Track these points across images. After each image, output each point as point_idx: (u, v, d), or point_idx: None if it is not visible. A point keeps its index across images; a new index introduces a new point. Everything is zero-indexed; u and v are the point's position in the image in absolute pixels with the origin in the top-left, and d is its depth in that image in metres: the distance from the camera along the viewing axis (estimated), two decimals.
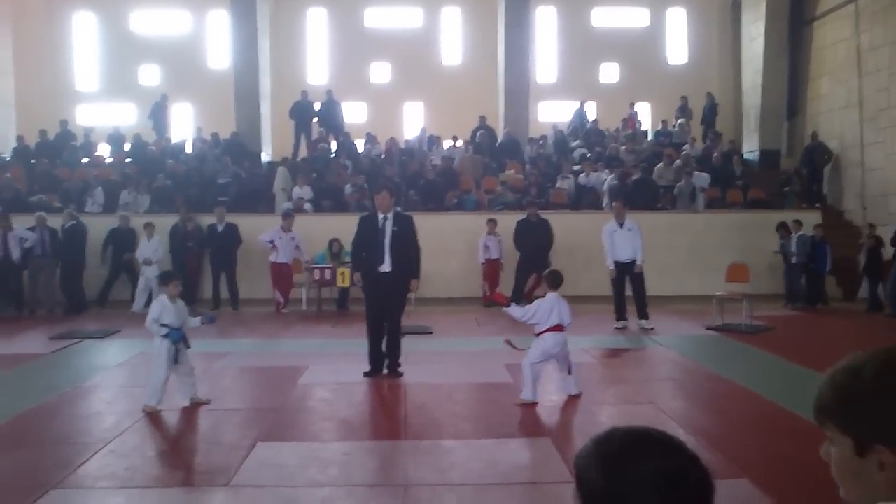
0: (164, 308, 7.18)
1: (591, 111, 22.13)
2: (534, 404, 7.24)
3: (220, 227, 14.62)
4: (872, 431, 1.26)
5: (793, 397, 7.40)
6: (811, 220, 15.68)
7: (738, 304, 12.05)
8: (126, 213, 15.77)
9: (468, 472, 5.46)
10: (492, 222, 14.81)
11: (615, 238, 11.89)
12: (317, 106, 19.83)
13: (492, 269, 14.85)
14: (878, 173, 16.38)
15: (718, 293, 12.57)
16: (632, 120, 21.29)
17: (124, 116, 22.34)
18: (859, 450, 1.28)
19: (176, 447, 6.34)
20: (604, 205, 16.71)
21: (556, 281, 7.57)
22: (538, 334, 7.42)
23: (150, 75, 23.03)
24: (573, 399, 7.43)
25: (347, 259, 12.96)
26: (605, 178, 17.02)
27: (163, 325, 7.11)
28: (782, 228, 14.61)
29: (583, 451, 1.29)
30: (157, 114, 20.16)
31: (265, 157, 20.03)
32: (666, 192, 17.08)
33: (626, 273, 11.93)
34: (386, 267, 8.41)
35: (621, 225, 11.93)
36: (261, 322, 12.98)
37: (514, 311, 7.60)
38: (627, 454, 1.24)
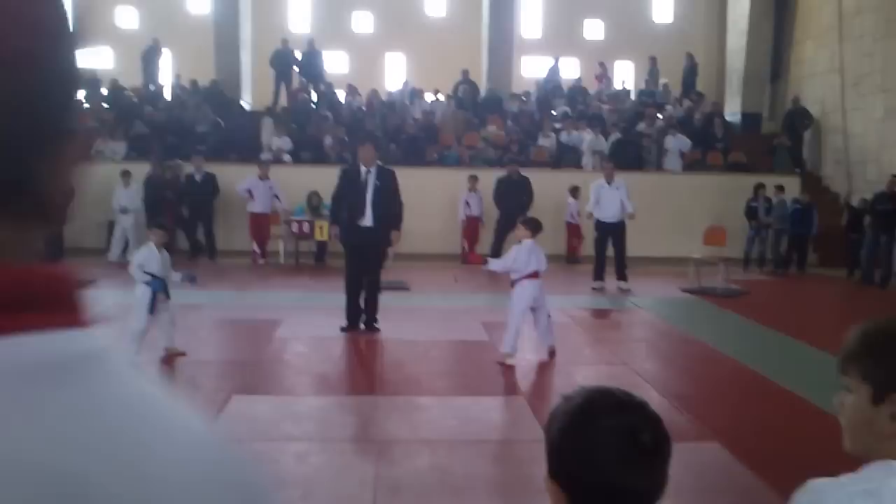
0: (150, 255, 7.12)
1: (574, 68, 21.98)
2: (512, 360, 7.26)
3: (197, 177, 14.47)
4: (892, 381, 1.33)
5: (765, 361, 7.51)
6: (790, 185, 15.77)
7: (715, 267, 12.14)
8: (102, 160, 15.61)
9: (442, 429, 5.50)
10: (473, 179, 14.77)
11: (602, 195, 11.87)
12: (298, 55, 19.56)
13: (471, 227, 14.86)
14: (857, 139, 16.44)
15: (695, 256, 12.64)
16: (601, 77, 21.20)
17: (100, 60, 21.90)
18: (875, 398, 1.34)
19: None
20: (583, 163, 16.69)
21: (535, 227, 7.55)
22: (515, 282, 7.39)
23: (127, 18, 22.57)
24: (548, 358, 7.47)
25: (326, 212, 12.89)
26: (587, 138, 16.96)
27: (146, 273, 7.05)
28: (760, 189, 14.65)
29: (552, 409, 1.34)
30: (150, 59, 19.76)
31: (245, 105, 19.76)
32: (647, 151, 17.07)
33: (610, 234, 11.95)
34: (367, 221, 8.36)
35: (609, 184, 11.92)
36: (238, 274, 12.93)
37: (494, 264, 7.65)
38: (584, 411, 1.29)
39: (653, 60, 21.00)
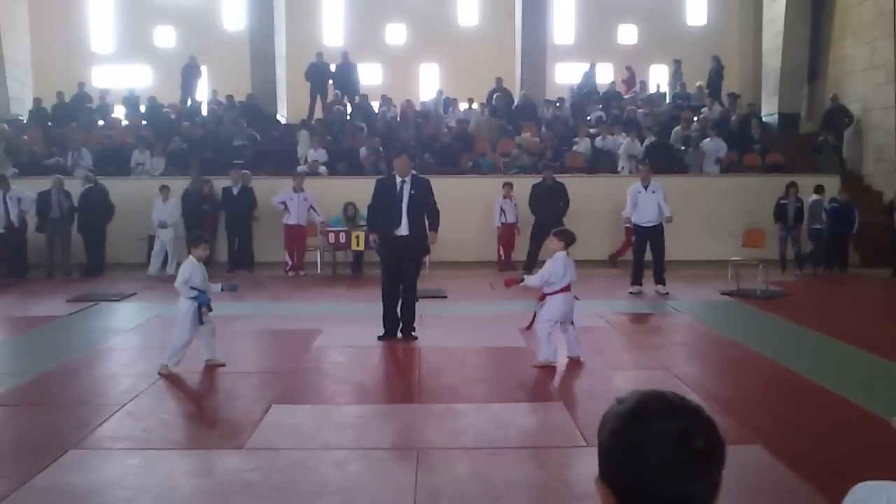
0: (195, 269, 7.22)
1: (608, 73, 21.87)
2: (553, 365, 7.26)
3: (234, 190, 14.64)
4: None
5: (807, 363, 7.39)
6: (831, 185, 15.52)
7: (754, 269, 11.99)
8: (142, 175, 15.90)
9: (481, 436, 5.49)
10: (508, 186, 14.76)
11: (640, 200, 11.79)
12: (332, 68, 19.73)
13: (507, 234, 14.84)
14: None
15: (734, 258, 12.50)
16: (628, 82, 21.09)
17: (140, 78, 22.30)
18: None
19: (192, 409, 6.41)
20: (620, 168, 16.60)
21: (569, 238, 7.52)
22: (548, 295, 7.37)
23: (165, 37, 22.97)
24: (584, 364, 7.43)
25: (362, 223, 12.95)
26: (622, 142, 16.88)
27: (192, 288, 7.15)
28: (792, 188, 14.42)
29: (605, 411, 1.34)
30: (188, 76, 20.05)
31: (281, 119, 19.97)
32: (683, 155, 16.93)
33: (648, 238, 11.85)
34: (403, 230, 8.40)
35: (646, 188, 11.83)
36: (276, 285, 13.04)
37: (532, 281, 7.52)
38: (636, 413, 1.28)
39: (677, 63, 20.87)
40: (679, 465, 1.23)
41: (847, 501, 1.33)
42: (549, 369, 7.27)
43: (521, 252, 14.54)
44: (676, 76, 20.80)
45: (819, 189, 14.48)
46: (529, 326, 7.45)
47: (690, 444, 1.23)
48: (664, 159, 15.94)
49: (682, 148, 16.92)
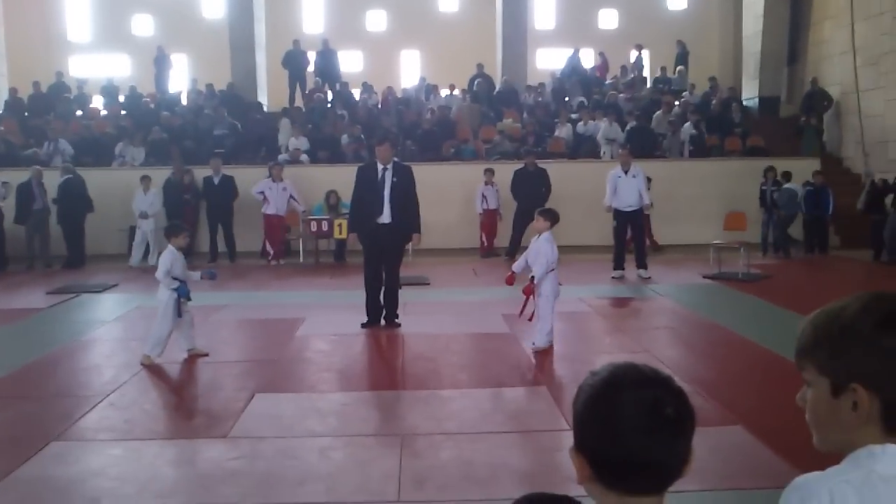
0: (175, 259, 7.18)
1: (589, 58, 21.86)
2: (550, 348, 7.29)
3: (215, 180, 14.55)
4: (849, 371, 1.31)
5: (788, 345, 7.39)
6: (811, 167, 15.62)
7: (736, 252, 12.06)
8: (122, 166, 15.79)
9: (465, 422, 5.51)
10: (489, 172, 14.75)
11: (619, 184, 11.80)
12: (311, 55, 19.62)
13: (489, 220, 14.84)
14: (877, 120, 16.24)
15: (715, 242, 12.57)
16: (601, 68, 21.19)
17: (118, 68, 22.09)
18: (835, 390, 1.32)
19: (175, 399, 6.39)
20: (602, 153, 16.63)
21: (554, 218, 7.51)
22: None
23: (143, 25, 22.74)
24: (568, 349, 7.46)
25: (345, 211, 12.93)
26: (602, 127, 16.90)
27: (173, 278, 7.11)
28: (770, 172, 14.49)
29: (580, 383, 1.37)
30: (159, 66, 19.89)
31: (263, 107, 19.84)
32: (664, 139, 16.99)
33: (629, 222, 11.89)
34: (385, 218, 8.39)
35: (626, 172, 11.85)
36: (258, 274, 12.99)
37: (539, 270, 7.26)
38: (609, 384, 1.30)
39: (639, 48, 21.04)
40: (650, 432, 1.25)
41: (790, 499, 1.32)
42: (531, 354, 7.29)
43: (503, 239, 14.55)
44: (638, 64, 20.93)
45: (786, 176, 14.49)
46: (532, 317, 7.41)
47: (661, 412, 1.26)
48: (645, 144, 15.98)
49: (662, 134, 16.96)
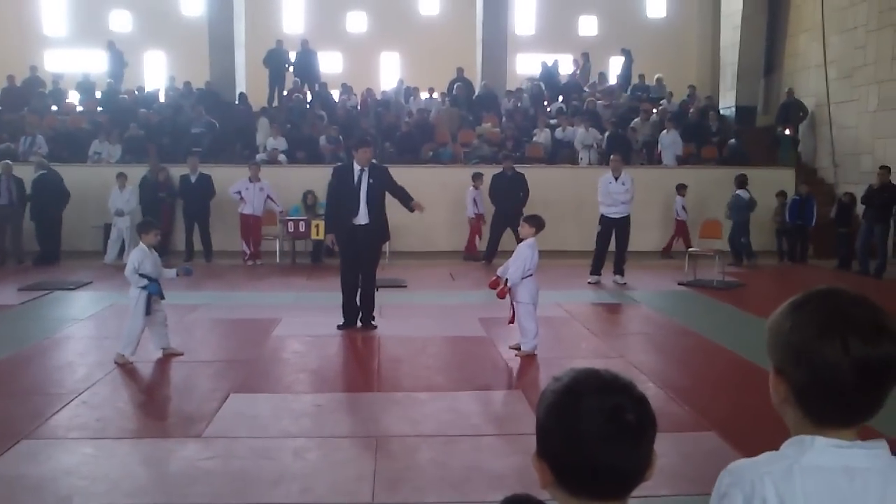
0: (145, 257, 7.12)
1: (568, 64, 21.95)
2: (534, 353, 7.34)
3: (192, 178, 14.46)
4: (771, 356, 1.44)
5: (761, 352, 7.47)
6: (787, 177, 15.80)
7: (711, 260, 12.16)
8: (98, 163, 15.64)
9: (440, 424, 5.52)
10: (478, 176, 14.73)
11: (609, 190, 11.86)
12: (292, 55, 19.56)
13: (477, 224, 14.85)
14: (851, 131, 16.45)
15: (691, 249, 12.66)
16: (577, 69, 21.28)
17: (94, 63, 21.86)
18: (775, 379, 1.44)
19: (148, 398, 6.34)
20: (580, 159, 16.71)
21: (539, 224, 7.56)
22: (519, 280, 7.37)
23: (121, 21, 22.53)
24: (543, 353, 7.48)
25: (321, 211, 12.90)
26: (580, 133, 16.98)
27: (142, 276, 7.05)
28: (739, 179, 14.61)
29: (542, 390, 1.38)
30: (112, 62, 19.75)
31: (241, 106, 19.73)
32: (643, 147, 17.11)
33: (615, 228, 11.93)
34: (362, 219, 8.38)
35: (617, 178, 11.90)
36: (234, 274, 12.92)
37: (513, 275, 7.29)
38: (569, 390, 1.32)
39: (585, 56, 21.19)
40: (611, 438, 1.27)
41: (722, 481, 1.39)
42: (508, 358, 7.32)
43: (482, 241, 14.57)
44: (584, 69, 21.12)
45: (742, 182, 14.52)
46: (511, 320, 7.43)
47: (621, 418, 1.28)
48: (623, 151, 16.07)
49: (637, 142, 17.08)
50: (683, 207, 15.11)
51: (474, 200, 14.74)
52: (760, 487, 1.34)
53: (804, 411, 1.39)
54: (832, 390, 1.34)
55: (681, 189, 15.14)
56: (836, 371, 1.32)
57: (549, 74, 20.58)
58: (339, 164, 9.67)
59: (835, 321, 1.34)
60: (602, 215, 12.01)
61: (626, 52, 21.15)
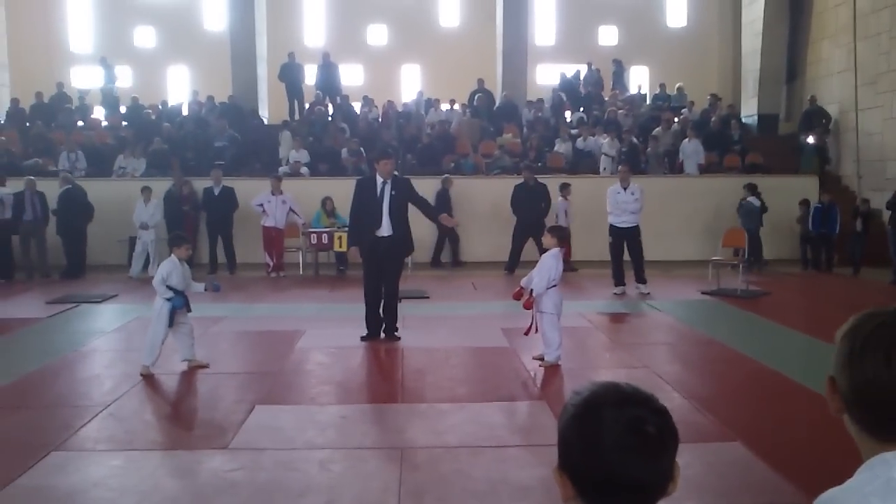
0: (174, 269, 7.19)
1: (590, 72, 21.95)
2: (559, 364, 7.33)
3: (216, 191, 14.59)
4: (833, 370, 1.43)
5: (786, 361, 7.47)
6: (810, 185, 15.69)
7: (735, 269, 12.09)
8: (122, 177, 15.83)
9: (464, 435, 5.52)
10: (566, 188, 14.69)
11: (618, 200, 11.86)
12: (310, 68, 19.69)
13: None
14: (875, 138, 16.33)
15: (714, 258, 12.61)
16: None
17: (120, 79, 22.15)
18: (829, 387, 1.45)
19: (175, 410, 6.40)
20: (602, 169, 16.69)
21: (562, 235, 7.57)
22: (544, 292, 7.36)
23: (145, 37, 22.84)
24: (567, 363, 7.47)
25: (342, 223, 13.00)
26: (602, 143, 16.98)
27: (168, 288, 7.12)
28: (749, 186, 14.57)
29: (564, 403, 1.39)
30: (106, 76, 19.97)
31: (263, 119, 19.91)
32: (664, 156, 17.06)
33: (625, 238, 11.93)
34: (384, 231, 8.42)
35: (625, 189, 11.89)
36: (257, 286, 13.01)
37: (538, 285, 7.30)
38: (590, 403, 1.33)
39: (618, 63, 21.28)
40: (632, 451, 1.27)
41: None
42: (531, 369, 7.31)
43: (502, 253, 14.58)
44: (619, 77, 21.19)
45: (752, 188, 14.51)
46: (528, 331, 7.43)
47: (642, 430, 1.28)
48: (634, 161, 16.07)
49: (658, 151, 17.04)
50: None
51: (565, 212, 14.61)
52: None
53: (857, 422, 1.40)
54: (876, 404, 1.36)
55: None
56: (875, 385, 1.35)
57: (569, 85, 20.57)
58: (362, 177, 9.71)
59: (880, 335, 1.37)
60: (611, 225, 12.01)
61: (617, 63, 21.17)
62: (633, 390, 1.35)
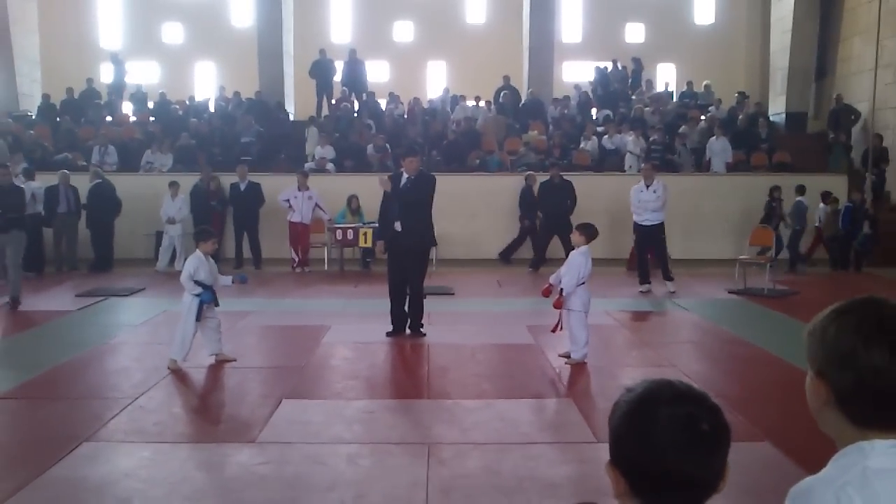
0: (200, 264, 7.25)
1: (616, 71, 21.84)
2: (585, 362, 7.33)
3: (242, 186, 14.67)
4: (812, 360, 1.45)
5: None
6: (838, 184, 15.51)
7: (762, 268, 11.99)
8: (150, 172, 15.96)
9: (491, 432, 5.52)
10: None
11: (641, 198, 11.79)
12: (338, 64, 19.75)
13: None
14: None
15: (742, 257, 12.51)
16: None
17: (148, 75, 22.36)
18: (815, 382, 1.45)
19: (203, 404, 6.46)
20: (627, 167, 16.61)
21: (591, 233, 7.55)
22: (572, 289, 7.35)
23: (173, 33, 23.02)
24: (593, 361, 7.45)
25: (367, 218, 13.03)
26: (629, 140, 16.89)
27: (196, 283, 7.17)
28: (776, 191, 14.47)
29: (616, 399, 1.41)
30: (116, 71, 20.10)
31: (290, 116, 20.00)
32: (691, 153, 16.93)
33: (648, 236, 11.86)
34: (399, 226, 8.42)
35: (648, 186, 11.82)
36: (283, 281, 13.07)
37: (568, 283, 7.29)
38: (644, 400, 1.34)
39: (637, 61, 21.03)
40: (686, 447, 1.29)
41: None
42: (557, 366, 7.30)
43: (527, 250, 14.54)
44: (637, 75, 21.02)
45: (801, 189, 14.46)
46: (555, 329, 7.41)
47: (697, 427, 1.30)
48: (663, 159, 15.98)
49: (677, 147, 16.92)
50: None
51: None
52: (847, 499, 1.33)
53: (848, 415, 1.40)
54: (878, 394, 1.36)
55: (825, 197, 14.67)
56: (882, 376, 1.35)
57: (605, 80, 20.41)
58: (391, 173, 9.72)
59: (881, 327, 1.37)
60: (635, 223, 11.95)
61: (636, 61, 20.99)
62: (687, 388, 1.36)
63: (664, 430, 1.29)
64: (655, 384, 1.37)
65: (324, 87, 19.60)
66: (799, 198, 14.30)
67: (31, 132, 17.26)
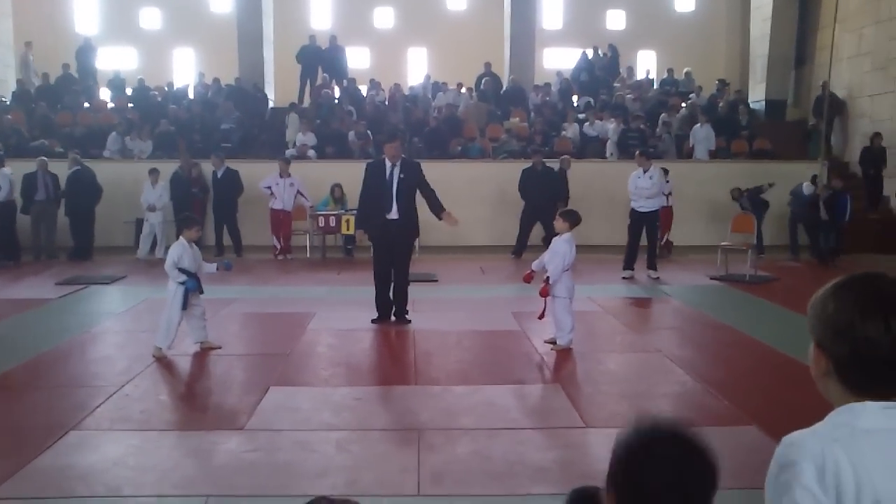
0: (184, 251, 7.19)
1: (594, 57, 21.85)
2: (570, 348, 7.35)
3: (218, 174, 14.55)
4: (813, 332, 1.52)
5: (796, 345, 7.45)
6: (815, 171, 15.63)
7: (743, 254, 12.08)
8: (129, 158, 15.81)
9: (480, 418, 5.53)
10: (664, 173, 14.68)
11: (638, 185, 11.81)
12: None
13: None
14: (885, 124, 16.26)
15: (723, 243, 12.59)
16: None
17: (125, 61, 22.09)
18: (815, 352, 1.53)
19: (189, 391, 6.43)
20: (608, 154, 16.65)
21: (574, 219, 7.55)
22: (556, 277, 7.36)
23: (151, 18, 22.74)
24: (579, 347, 7.47)
25: (350, 204, 12.97)
26: (609, 127, 16.93)
27: (181, 270, 7.12)
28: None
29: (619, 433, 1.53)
30: (83, 57, 19.87)
31: (270, 102, 19.86)
32: (674, 140, 17.00)
33: (645, 223, 11.87)
34: (394, 214, 8.41)
35: (645, 172, 11.84)
36: (265, 269, 13.01)
37: (554, 271, 7.28)
38: (639, 440, 1.45)
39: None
40: (674, 488, 1.40)
41: (787, 454, 1.46)
42: (542, 352, 7.32)
43: (510, 237, 14.56)
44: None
45: (814, 179, 14.55)
46: (542, 315, 7.41)
47: (687, 468, 1.42)
48: (641, 146, 16.02)
49: (660, 134, 16.98)
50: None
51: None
52: (832, 456, 1.39)
53: (845, 383, 1.48)
54: (872, 364, 1.44)
55: None
56: (877, 347, 1.42)
57: (590, 66, 20.37)
58: (371, 160, 9.69)
59: (877, 301, 1.45)
60: (632, 209, 11.98)
61: (612, 48, 21.01)
62: (679, 430, 1.48)
63: (650, 474, 1.42)
64: (649, 425, 1.48)
65: (309, 73, 19.48)
66: (805, 184, 14.36)
67: (9, 117, 17.02)
